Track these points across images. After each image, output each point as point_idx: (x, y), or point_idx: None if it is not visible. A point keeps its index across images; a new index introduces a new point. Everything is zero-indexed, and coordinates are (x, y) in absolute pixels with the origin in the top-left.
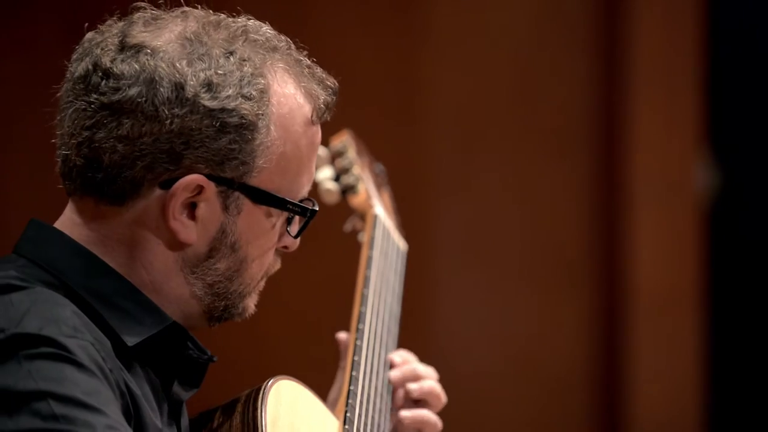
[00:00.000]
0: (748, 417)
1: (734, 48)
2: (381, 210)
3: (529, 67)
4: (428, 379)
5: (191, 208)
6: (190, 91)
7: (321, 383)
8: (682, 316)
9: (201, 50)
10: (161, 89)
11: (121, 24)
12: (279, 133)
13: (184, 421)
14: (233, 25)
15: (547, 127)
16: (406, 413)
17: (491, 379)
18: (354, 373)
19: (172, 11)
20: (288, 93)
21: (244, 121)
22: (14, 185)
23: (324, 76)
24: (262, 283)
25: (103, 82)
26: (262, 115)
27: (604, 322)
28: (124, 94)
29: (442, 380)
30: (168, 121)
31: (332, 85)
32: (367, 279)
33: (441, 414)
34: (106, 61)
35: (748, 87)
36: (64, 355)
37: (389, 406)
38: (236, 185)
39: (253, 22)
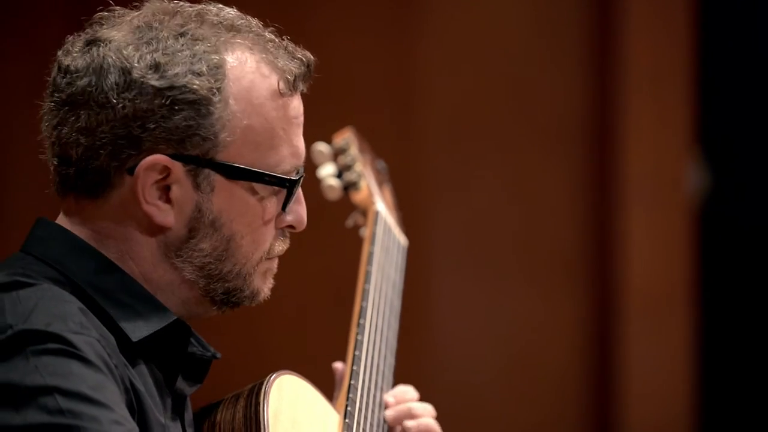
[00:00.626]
0: (738, 415)
1: (725, 49)
2: (382, 206)
3: (524, 68)
4: (425, 417)
5: (166, 191)
6: (136, 74)
7: (322, 378)
8: (673, 314)
9: (150, 35)
10: (109, 76)
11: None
12: (240, 106)
13: (188, 415)
14: (189, 9)
15: (542, 127)
16: (410, 423)
17: (486, 375)
18: (355, 368)
19: (139, 6)
20: (248, 67)
21: (196, 96)
22: (18, 185)
23: (293, 49)
24: (273, 265)
25: (63, 80)
26: (217, 89)
27: (597, 320)
28: (75, 87)
29: (438, 374)
30: (120, 106)
31: (303, 57)
32: (368, 274)
33: (437, 409)
34: (66, 60)
35: (738, 88)
36: (71, 351)
37: None
38: (203, 162)
39: (214, 6)
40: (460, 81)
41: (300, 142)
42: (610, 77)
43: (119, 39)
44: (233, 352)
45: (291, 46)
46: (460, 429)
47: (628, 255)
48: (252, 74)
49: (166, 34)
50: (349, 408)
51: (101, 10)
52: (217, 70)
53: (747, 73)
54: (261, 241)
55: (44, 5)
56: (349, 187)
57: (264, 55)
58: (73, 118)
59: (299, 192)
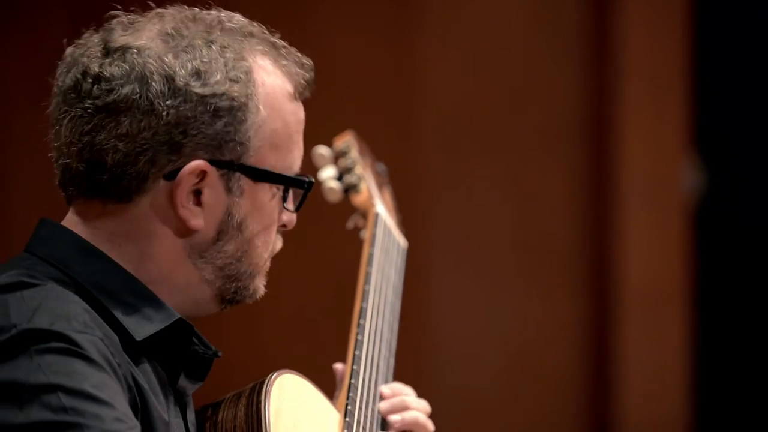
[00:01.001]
0: (735, 414)
1: (721, 50)
2: (382, 208)
3: (522, 69)
4: (413, 410)
5: (196, 195)
6: (180, 81)
7: (322, 378)
8: (670, 313)
9: (183, 43)
10: (153, 83)
11: (99, 33)
12: (268, 111)
13: (190, 413)
14: (208, 17)
15: (540, 128)
16: (395, 417)
17: (485, 374)
18: (355, 367)
19: (146, 14)
20: (269, 73)
21: (235, 103)
22: (22, 185)
23: (299, 55)
24: (269, 263)
25: (95, 87)
26: (251, 95)
27: (595, 319)
28: (118, 94)
29: (437, 373)
30: (164, 113)
31: (308, 63)
32: (368, 275)
33: (433, 406)
34: (94, 67)
35: (734, 88)
36: (74, 350)
37: None
38: (236, 166)
39: (225, 13)
40: (459, 81)
41: (302, 144)
42: (607, 78)
43: (154, 47)
44: (235, 351)
45: (295, 51)
46: (459, 428)
47: (626, 254)
48: (273, 79)
49: (199, 42)
50: (349, 407)
51: (108, 14)
52: (248, 76)
53: (743, 73)
54: (270, 242)
55: (46, 4)
56: (349, 189)
57: (278, 61)
58: (112, 124)
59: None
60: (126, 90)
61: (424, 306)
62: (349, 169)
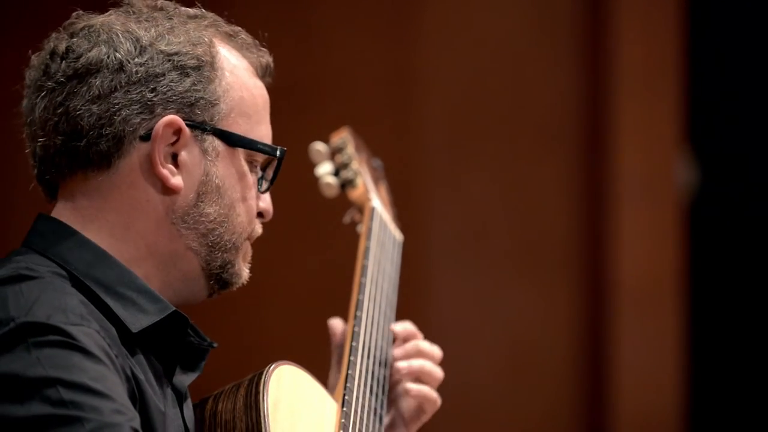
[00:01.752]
0: (727, 405)
1: (714, 48)
2: (378, 203)
3: (518, 68)
4: (420, 359)
5: (174, 158)
6: (145, 41)
7: (320, 369)
8: (664, 307)
9: (144, 16)
10: (120, 44)
11: (57, 34)
12: (233, 78)
13: (187, 404)
14: (168, 5)
15: (536, 125)
16: (412, 386)
17: (482, 367)
18: (352, 358)
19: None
20: (229, 50)
21: (201, 61)
22: (24, 183)
23: (255, 42)
24: (249, 248)
25: (63, 61)
26: (215, 58)
27: (590, 313)
28: (87, 58)
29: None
30: (134, 70)
31: (265, 49)
32: (364, 268)
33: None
34: (61, 46)
35: (726, 87)
36: (72, 343)
37: (386, 389)
38: (209, 128)
39: (185, 8)
40: (456, 79)
41: (270, 128)
42: (602, 75)
43: (117, 19)
44: (234, 344)
45: (250, 38)
46: (456, 420)
47: (620, 250)
48: (234, 56)
49: (157, 15)
50: (346, 397)
51: (68, 16)
52: (211, 43)
53: (736, 70)
54: (251, 215)
55: (49, 2)
56: (345, 184)
57: (236, 42)
58: (84, 88)
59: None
60: (94, 52)
61: (422, 301)
62: (345, 165)
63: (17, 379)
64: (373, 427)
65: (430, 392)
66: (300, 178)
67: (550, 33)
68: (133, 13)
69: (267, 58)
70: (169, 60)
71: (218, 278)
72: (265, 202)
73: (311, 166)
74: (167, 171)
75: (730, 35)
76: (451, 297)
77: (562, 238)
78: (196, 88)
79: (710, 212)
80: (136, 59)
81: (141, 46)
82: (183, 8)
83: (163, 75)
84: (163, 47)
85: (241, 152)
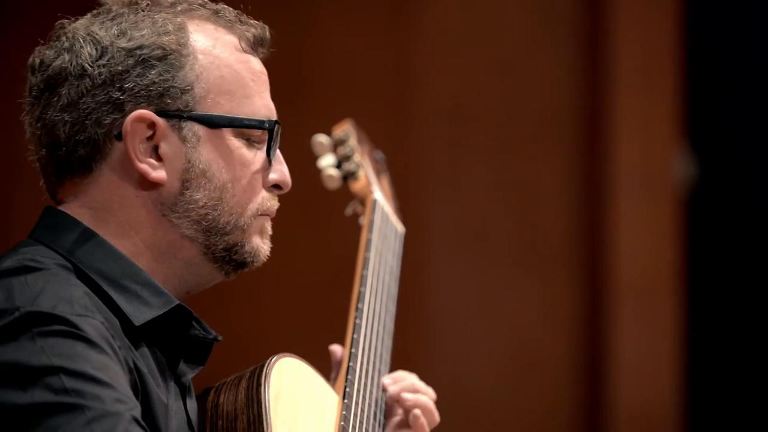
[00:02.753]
0: (725, 400)
1: (712, 42)
2: (380, 195)
3: (517, 62)
4: (424, 396)
5: (155, 150)
6: (106, 42)
7: (321, 361)
8: (662, 301)
9: (111, 15)
10: (82, 50)
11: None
12: (208, 59)
13: (191, 397)
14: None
15: (535, 121)
16: (408, 395)
17: (481, 361)
18: (353, 350)
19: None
20: (207, 29)
21: (165, 51)
22: (26, 183)
23: (247, 18)
24: (267, 224)
25: (37, 74)
26: (184, 44)
27: (588, 307)
28: (53, 68)
29: (434, 360)
30: (96, 73)
31: (257, 22)
32: (366, 260)
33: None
34: (35, 60)
35: (724, 81)
36: (76, 333)
37: None
38: (185, 115)
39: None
40: (456, 74)
41: (269, 99)
42: (600, 70)
43: (83, 23)
44: (236, 336)
45: (245, 16)
46: (455, 413)
47: (619, 245)
48: (213, 33)
49: (125, 11)
50: (347, 389)
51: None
52: (181, 29)
53: (734, 64)
54: (252, 192)
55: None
56: (348, 176)
57: (219, 20)
58: (54, 98)
59: (279, 153)
60: (58, 62)
61: (422, 294)
62: (347, 157)
63: (21, 367)
64: (375, 419)
65: (428, 402)
66: (302, 171)
67: (550, 29)
68: (103, 13)
69: (256, 30)
70: (131, 56)
71: (228, 260)
72: (279, 172)
73: (314, 158)
74: (146, 165)
75: (728, 30)
76: (451, 291)
77: (560, 234)
78: (163, 78)
79: (708, 207)
80: (98, 62)
81: (102, 47)
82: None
83: (127, 71)
84: (123, 44)
85: (228, 132)
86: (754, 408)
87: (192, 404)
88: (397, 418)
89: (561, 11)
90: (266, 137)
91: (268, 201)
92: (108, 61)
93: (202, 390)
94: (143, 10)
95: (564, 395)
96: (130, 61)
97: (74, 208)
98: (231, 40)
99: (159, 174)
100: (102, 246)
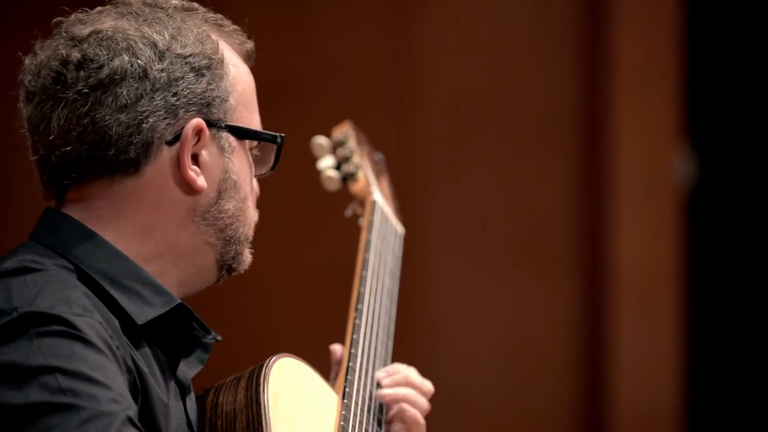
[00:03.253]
0: (726, 398)
1: (711, 43)
2: (379, 196)
3: (518, 61)
4: (407, 388)
5: (194, 159)
6: (162, 45)
7: (321, 362)
8: (662, 300)
9: (149, 17)
10: (141, 51)
11: (57, 36)
12: (235, 71)
13: (190, 397)
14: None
15: (535, 119)
16: (387, 390)
17: (480, 361)
18: (353, 351)
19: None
20: (224, 41)
21: (211, 60)
22: (26, 179)
23: (237, 28)
24: (252, 233)
25: (81, 71)
26: (222, 55)
27: (588, 305)
28: (111, 68)
29: (435, 359)
30: (157, 76)
31: (245, 34)
32: (366, 261)
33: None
34: (74, 54)
35: (723, 81)
36: (73, 333)
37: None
38: (223, 125)
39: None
40: (456, 72)
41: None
42: (600, 71)
43: (125, 24)
44: (236, 336)
45: (237, 27)
46: (456, 413)
47: (619, 243)
48: (228, 44)
49: (161, 15)
50: (347, 389)
51: (54, 20)
52: (214, 40)
53: (734, 63)
54: (254, 204)
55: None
56: (347, 178)
57: (224, 33)
58: (110, 98)
59: None
60: (117, 62)
61: (422, 294)
62: (346, 159)
63: (18, 367)
64: (374, 418)
65: (417, 416)
66: (302, 172)
67: (550, 27)
68: (133, 13)
69: (250, 44)
70: (186, 62)
71: (229, 268)
72: (257, 183)
73: (313, 160)
74: (193, 173)
75: (729, 28)
76: (451, 290)
77: (561, 233)
78: (211, 87)
79: (708, 206)
80: (157, 65)
81: (160, 51)
82: (163, 1)
83: (183, 78)
84: (179, 50)
85: (247, 144)
86: (754, 407)
87: (191, 404)
88: (393, 413)
89: (561, 9)
90: (272, 151)
91: (255, 214)
92: (167, 65)
93: (202, 390)
94: (173, 16)
95: (564, 394)
96: (186, 68)
97: (89, 208)
98: (238, 52)
99: (202, 182)
100: (102, 246)
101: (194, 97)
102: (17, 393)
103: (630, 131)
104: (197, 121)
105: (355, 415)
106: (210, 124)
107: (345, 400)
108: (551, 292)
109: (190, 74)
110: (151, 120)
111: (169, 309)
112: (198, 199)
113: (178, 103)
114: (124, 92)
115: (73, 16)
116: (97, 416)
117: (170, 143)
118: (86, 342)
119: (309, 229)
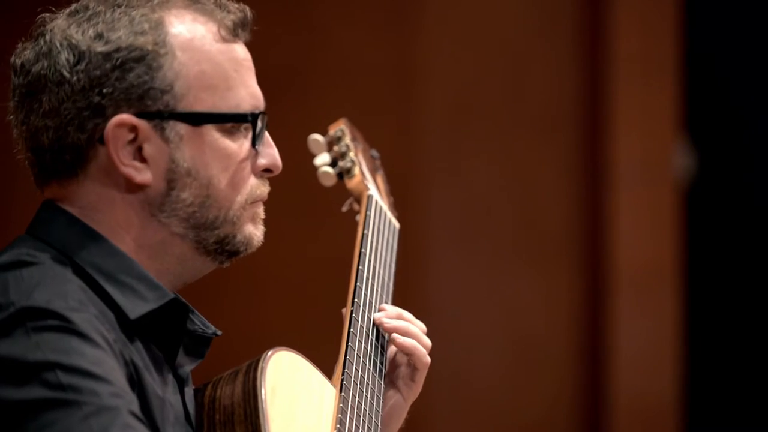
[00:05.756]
0: (725, 388)
1: (710, 36)
2: (375, 191)
3: (518, 57)
4: (403, 321)
5: (138, 152)
6: (83, 46)
7: (318, 356)
8: (662, 292)
9: (88, 14)
10: (60, 55)
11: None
12: (187, 54)
13: (188, 391)
14: None
15: (535, 113)
16: (398, 337)
17: (482, 353)
18: (350, 344)
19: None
20: (186, 20)
21: (142, 52)
22: (25, 182)
23: (226, 3)
24: (259, 210)
25: (19, 77)
26: (161, 42)
27: (589, 297)
28: (32, 74)
29: (435, 353)
30: (75, 79)
31: (239, 7)
32: (362, 256)
33: (433, 385)
34: (16, 60)
35: (723, 74)
36: (70, 328)
37: (384, 374)
38: (166, 115)
39: None
40: (456, 68)
41: (255, 85)
42: (600, 63)
43: (60, 24)
44: (234, 331)
45: (224, 2)
46: (457, 406)
47: (619, 235)
48: (192, 26)
49: (102, 9)
50: (344, 382)
51: (40, 13)
52: (157, 26)
53: (733, 56)
54: (240, 183)
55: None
56: (343, 174)
57: (199, 8)
58: (36, 105)
59: (267, 136)
60: (37, 68)
61: (422, 287)
62: (342, 155)
63: (16, 362)
64: (372, 412)
65: (416, 346)
66: (299, 169)
67: (550, 21)
68: (81, 11)
69: (236, 15)
70: (108, 60)
71: (221, 251)
72: (268, 156)
73: (310, 156)
74: (131, 169)
75: (728, 21)
76: (451, 284)
77: (561, 226)
78: (142, 79)
79: (708, 198)
80: (75, 67)
81: (79, 53)
82: None
83: (106, 76)
84: (100, 48)
85: (211, 127)
86: (753, 399)
87: (190, 398)
88: (396, 357)
89: (562, 3)
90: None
91: (257, 188)
92: (86, 66)
93: (200, 385)
94: (120, 7)
95: (565, 387)
96: (108, 66)
97: (66, 207)
98: (211, 29)
99: (144, 176)
100: (98, 241)
101: (121, 93)
102: (17, 389)
103: (629, 124)
104: (118, 118)
105: (352, 407)
106: (147, 116)
107: (342, 393)
108: (551, 285)
109: (115, 71)
110: (77, 122)
111: (163, 303)
112: (148, 192)
113: (103, 101)
114: (46, 98)
115: (42, 19)
116: (99, 411)
117: (102, 142)
118: (84, 337)
119: (305, 224)
